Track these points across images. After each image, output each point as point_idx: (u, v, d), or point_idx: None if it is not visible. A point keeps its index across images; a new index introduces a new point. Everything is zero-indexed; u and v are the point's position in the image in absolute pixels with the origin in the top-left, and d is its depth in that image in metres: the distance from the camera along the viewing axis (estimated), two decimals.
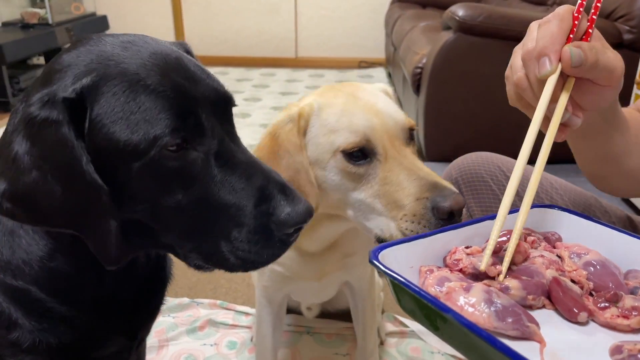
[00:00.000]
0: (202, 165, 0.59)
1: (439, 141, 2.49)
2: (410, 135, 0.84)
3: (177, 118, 0.56)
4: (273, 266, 1.00)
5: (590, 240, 0.62)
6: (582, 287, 0.56)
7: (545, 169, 0.99)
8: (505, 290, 0.53)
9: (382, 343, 1.44)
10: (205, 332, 1.47)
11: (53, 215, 0.57)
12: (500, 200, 0.58)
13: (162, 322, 1.49)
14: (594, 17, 0.63)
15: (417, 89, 2.54)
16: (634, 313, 0.51)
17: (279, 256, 0.64)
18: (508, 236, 0.57)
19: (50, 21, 3.90)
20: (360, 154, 0.79)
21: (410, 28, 3.15)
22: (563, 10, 0.62)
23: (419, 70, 2.50)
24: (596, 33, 0.63)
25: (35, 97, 0.55)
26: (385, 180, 0.78)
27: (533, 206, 0.66)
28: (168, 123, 0.55)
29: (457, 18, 2.22)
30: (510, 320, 0.48)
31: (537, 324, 0.49)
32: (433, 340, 1.43)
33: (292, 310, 1.50)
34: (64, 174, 0.54)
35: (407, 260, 0.57)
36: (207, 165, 0.60)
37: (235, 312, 1.55)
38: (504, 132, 2.13)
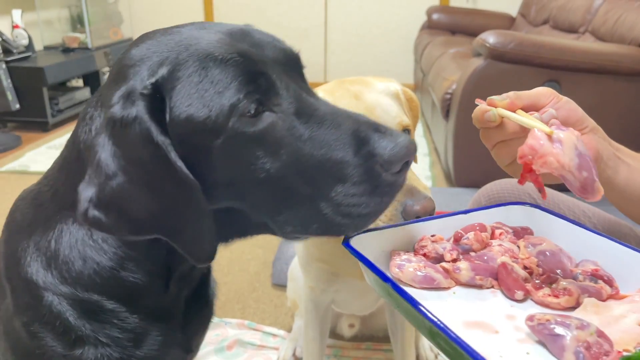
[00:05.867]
0: (285, 126, 0.57)
1: (468, 167, 2.48)
2: None
3: (248, 82, 0.55)
4: (318, 263, 1.06)
5: (560, 236, 0.71)
6: (531, 273, 0.63)
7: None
8: (456, 270, 0.63)
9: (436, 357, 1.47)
10: (233, 352, 1.48)
11: (141, 220, 0.55)
12: None
13: None
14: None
15: (446, 114, 2.55)
16: (564, 293, 0.59)
17: (389, 202, 0.60)
18: (477, 228, 0.70)
19: (89, 46, 4.06)
20: None
21: (439, 54, 3.17)
22: None
23: (448, 96, 2.51)
24: None
25: (115, 96, 0.54)
26: None
27: (517, 203, 0.78)
28: (240, 88, 0.54)
29: (488, 45, 2.23)
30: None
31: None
32: None
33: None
34: (151, 173, 0.53)
35: (380, 245, 0.68)
36: (291, 126, 0.57)
37: (262, 332, 1.56)
38: None
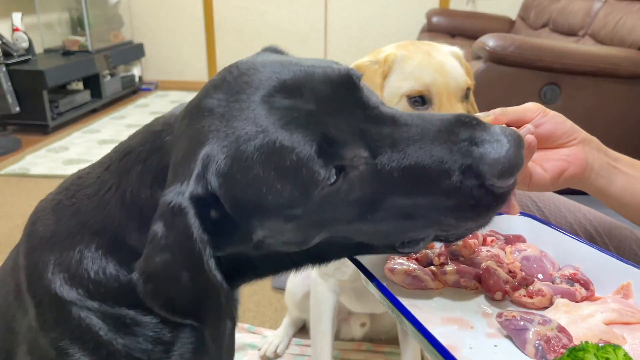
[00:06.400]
0: (368, 174, 0.52)
1: None
2: (465, 95, 1.00)
3: (319, 155, 0.50)
4: None
5: (550, 243, 0.75)
6: (514, 276, 0.68)
7: (579, 200, 1.00)
8: (443, 273, 0.68)
9: None
10: None
11: (177, 301, 0.56)
12: None
13: None
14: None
15: None
16: (537, 294, 0.64)
17: (505, 205, 0.55)
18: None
19: (90, 48, 4.07)
20: (420, 100, 0.97)
21: None
22: None
23: None
24: None
25: (174, 187, 0.54)
26: None
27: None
28: (313, 164, 0.49)
29: (488, 48, 2.24)
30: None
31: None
32: None
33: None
34: (189, 263, 0.54)
35: None
36: (374, 170, 0.52)
37: (262, 336, 1.56)
38: None
